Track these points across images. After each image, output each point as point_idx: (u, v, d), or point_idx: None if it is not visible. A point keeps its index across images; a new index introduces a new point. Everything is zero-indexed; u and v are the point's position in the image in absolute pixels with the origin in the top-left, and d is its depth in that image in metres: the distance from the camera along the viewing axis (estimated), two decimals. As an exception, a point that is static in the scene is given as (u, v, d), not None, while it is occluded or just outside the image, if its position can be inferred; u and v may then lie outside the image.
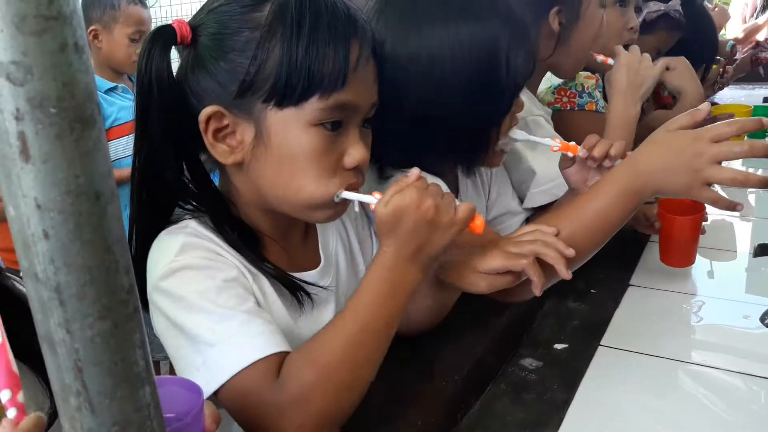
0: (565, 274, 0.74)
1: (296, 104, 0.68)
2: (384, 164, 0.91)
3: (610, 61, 1.22)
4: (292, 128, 0.69)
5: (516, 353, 0.91)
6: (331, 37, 0.67)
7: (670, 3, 1.56)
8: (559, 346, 0.93)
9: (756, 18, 3.53)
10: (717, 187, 0.90)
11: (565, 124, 1.21)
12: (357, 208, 0.74)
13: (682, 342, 0.95)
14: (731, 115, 1.80)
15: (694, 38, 1.67)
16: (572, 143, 0.93)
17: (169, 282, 0.68)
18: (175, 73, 0.72)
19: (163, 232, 0.73)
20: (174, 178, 0.72)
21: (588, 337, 0.95)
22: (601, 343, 0.93)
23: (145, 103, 0.69)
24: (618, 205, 0.79)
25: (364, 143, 0.73)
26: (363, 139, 0.74)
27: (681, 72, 1.26)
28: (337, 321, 0.68)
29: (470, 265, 0.76)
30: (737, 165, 1.42)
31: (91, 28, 2.07)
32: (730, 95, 2.71)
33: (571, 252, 0.75)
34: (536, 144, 1.00)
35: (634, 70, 1.18)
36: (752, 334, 0.95)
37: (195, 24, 0.71)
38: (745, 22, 3.59)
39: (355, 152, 0.72)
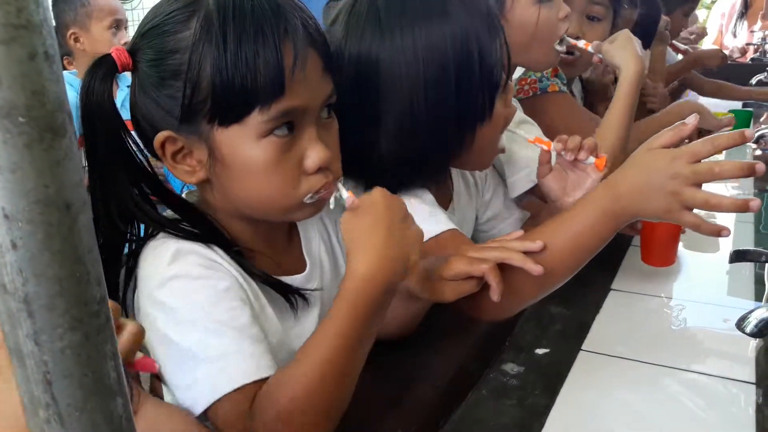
0: (534, 268, 0.73)
1: (238, 121, 0.66)
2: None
3: (590, 48, 1.23)
4: (241, 144, 0.67)
5: (498, 358, 0.91)
6: (259, 46, 0.64)
7: None
8: (540, 351, 0.93)
9: (734, 27, 3.58)
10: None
11: (530, 111, 1.19)
12: (332, 205, 0.73)
13: (663, 346, 0.96)
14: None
15: (640, 25, 1.66)
16: (546, 139, 0.95)
17: (163, 292, 0.67)
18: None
19: (152, 240, 0.71)
20: (134, 204, 0.71)
21: (569, 342, 0.95)
22: (583, 347, 0.94)
23: (91, 136, 0.68)
24: (594, 229, 0.76)
25: (324, 141, 0.71)
26: (325, 133, 0.72)
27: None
28: (308, 346, 0.66)
29: (434, 274, 0.75)
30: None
31: (70, 32, 2.04)
32: (712, 99, 2.74)
33: (537, 245, 0.75)
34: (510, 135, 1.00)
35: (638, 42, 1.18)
36: (732, 337, 0.95)
37: (133, 50, 0.70)
38: (722, 32, 3.64)
39: (315, 153, 0.69)
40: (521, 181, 1.11)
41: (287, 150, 0.69)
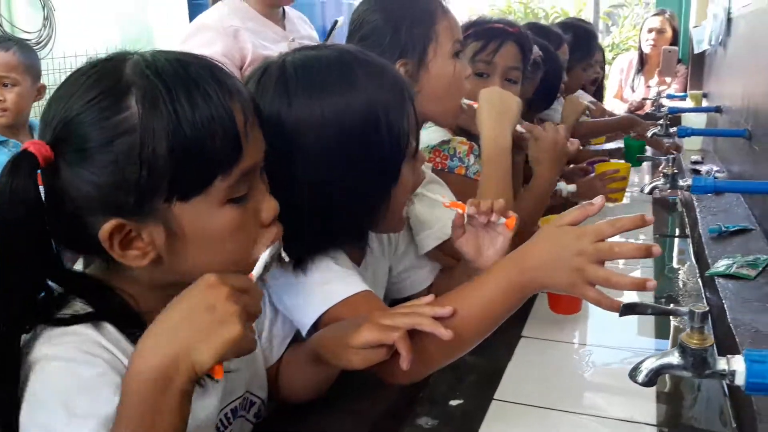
0: (444, 333, 0.72)
1: (201, 192, 0.65)
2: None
3: (475, 105, 1.28)
4: (204, 214, 0.66)
5: (413, 413, 0.90)
6: (213, 111, 0.64)
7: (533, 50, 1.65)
8: (454, 403, 0.93)
9: (632, 81, 3.83)
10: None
11: None
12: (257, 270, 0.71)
13: (572, 393, 0.98)
14: (616, 171, 1.93)
15: (545, 83, 1.78)
16: (460, 202, 0.96)
17: (31, 373, 0.62)
18: None
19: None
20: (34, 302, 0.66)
21: (482, 392, 0.96)
22: (495, 397, 0.95)
23: (5, 234, 0.62)
24: (502, 299, 0.78)
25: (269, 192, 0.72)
26: (265, 185, 0.73)
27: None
28: None
29: (343, 341, 0.74)
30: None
31: None
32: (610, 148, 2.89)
33: (447, 311, 0.75)
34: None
35: (496, 100, 1.24)
36: (637, 380, 0.99)
37: (53, 141, 0.64)
38: (621, 86, 3.89)
39: (269, 205, 0.71)
40: (428, 239, 1.12)
41: (246, 209, 0.69)
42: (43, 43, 3.17)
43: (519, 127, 1.30)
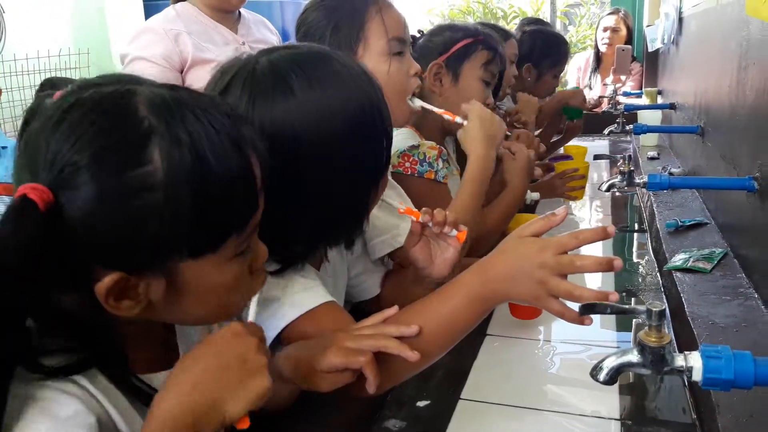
0: (411, 356, 0.72)
1: (215, 251, 0.62)
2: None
3: (458, 119, 1.31)
4: (210, 270, 0.63)
5: (380, 415, 0.90)
6: (238, 170, 0.61)
7: None
8: (421, 404, 0.94)
9: (589, 80, 3.89)
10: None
11: (405, 187, 1.24)
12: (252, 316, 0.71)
13: (539, 389, 1.00)
14: (576, 170, 1.97)
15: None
16: (415, 209, 0.96)
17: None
18: None
19: None
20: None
21: (449, 391, 0.97)
22: (461, 396, 0.96)
23: (10, 280, 0.55)
24: (466, 311, 0.77)
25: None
26: None
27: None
28: None
29: (310, 365, 0.73)
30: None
31: None
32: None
33: (413, 330, 0.75)
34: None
35: (488, 122, 1.29)
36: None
37: (56, 185, 0.56)
38: (579, 84, 3.95)
39: (261, 252, 0.69)
40: (381, 245, 1.12)
41: (245, 260, 0.66)
42: (-8, 46, 3.09)
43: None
